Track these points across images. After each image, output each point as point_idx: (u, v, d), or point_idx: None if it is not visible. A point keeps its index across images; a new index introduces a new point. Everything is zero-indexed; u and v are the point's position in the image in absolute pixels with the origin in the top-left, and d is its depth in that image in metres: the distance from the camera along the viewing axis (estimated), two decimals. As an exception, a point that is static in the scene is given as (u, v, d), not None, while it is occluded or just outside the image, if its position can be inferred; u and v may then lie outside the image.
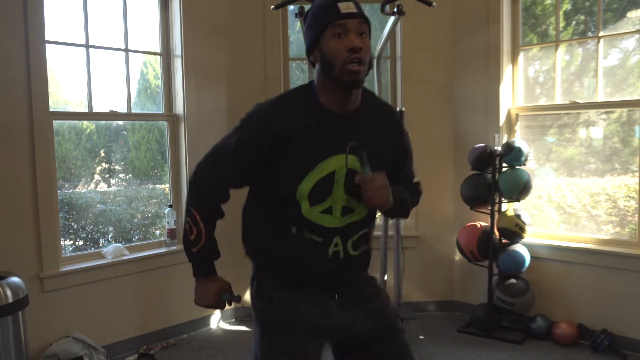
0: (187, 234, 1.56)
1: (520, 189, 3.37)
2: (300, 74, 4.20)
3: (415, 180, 1.68)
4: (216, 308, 1.62)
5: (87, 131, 3.52)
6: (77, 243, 3.48)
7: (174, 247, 3.56)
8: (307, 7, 2.98)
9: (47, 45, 2.95)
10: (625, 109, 3.32)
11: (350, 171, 1.45)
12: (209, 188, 1.55)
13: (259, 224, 1.56)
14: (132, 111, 3.51)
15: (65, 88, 3.44)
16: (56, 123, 3.13)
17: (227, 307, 1.67)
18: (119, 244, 3.37)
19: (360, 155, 1.42)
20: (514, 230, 3.37)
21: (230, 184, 1.55)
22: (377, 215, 1.65)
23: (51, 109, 3.02)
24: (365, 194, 1.41)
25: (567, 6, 3.57)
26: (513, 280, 3.41)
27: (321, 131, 1.44)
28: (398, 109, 3.20)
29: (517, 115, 3.71)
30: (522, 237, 3.40)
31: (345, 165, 1.44)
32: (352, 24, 1.36)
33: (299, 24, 3.90)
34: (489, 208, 3.50)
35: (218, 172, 1.53)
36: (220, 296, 1.60)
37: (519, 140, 3.45)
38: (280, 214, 1.50)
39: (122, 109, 3.45)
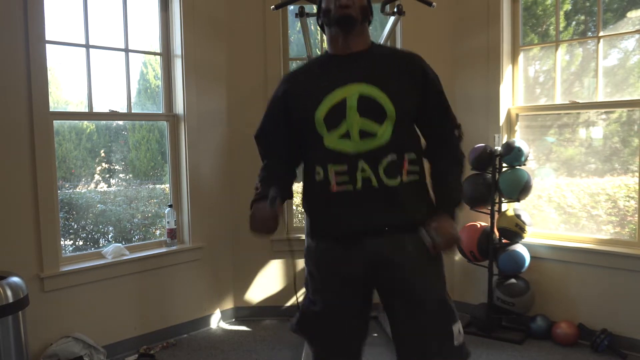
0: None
1: (520, 189, 3.37)
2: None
3: (452, 129, 1.72)
4: (268, 232, 1.64)
5: (87, 131, 3.52)
6: (77, 243, 3.49)
7: (174, 247, 3.56)
8: (307, 7, 2.98)
9: (47, 45, 2.95)
10: (625, 109, 3.32)
11: (362, 97, 1.56)
12: (263, 140, 1.78)
13: (305, 185, 1.71)
14: (132, 111, 3.51)
15: (66, 88, 3.44)
16: (56, 123, 3.14)
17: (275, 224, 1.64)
18: (119, 244, 3.37)
19: (423, 237, 1.55)
20: (514, 230, 3.38)
21: (276, 151, 1.75)
22: (414, 146, 1.65)
23: (51, 109, 3.02)
24: (446, 249, 1.57)
25: (567, 6, 3.57)
26: (513, 280, 3.41)
27: (328, 70, 1.66)
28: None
29: (517, 115, 3.71)
30: (522, 237, 3.40)
31: (356, 93, 1.57)
32: None
33: (299, 24, 3.89)
34: (489, 208, 3.50)
35: (266, 122, 1.77)
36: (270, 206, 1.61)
37: (519, 140, 3.45)
38: (311, 157, 1.65)
39: (122, 109, 3.45)
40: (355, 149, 1.55)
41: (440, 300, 1.61)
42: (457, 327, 1.60)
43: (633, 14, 3.28)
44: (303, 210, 1.75)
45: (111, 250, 3.30)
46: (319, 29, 1.99)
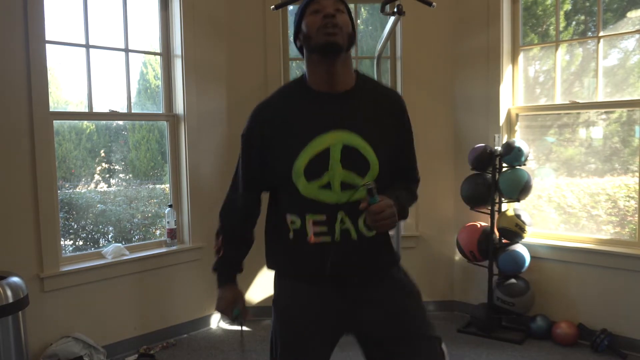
0: (214, 249, 1.69)
1: (520, 189, 3.37)
2: (300, 74, 4.20)
3: (414, 180, 1.68)
4: (227, 317, 1.70)
5: (87, 131, 3.52)
6: (77, 243, 3.48)
7: (174, 247, 3.56)
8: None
9: (47, 45, 2.95)
10: (625, 109, 3.32)
11: (346, 147, 1.46)
12: (234, 194, 1.65)
13: (270, 232, 1.63)
14: (132, 111, 3.51)
15: (66, 88, 3.44)
16: (56, 123, 3.14)
17: (237, 322, 1.75)
18: (119, 244, 3.37)
19: (368, 186, 1.41)
20: (514, 230, 3.37)
21: (250, 184, 1.61)
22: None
23: (51, 109, 3.02)
24: (372, 223, 1.41)
25: (567, 6, 3.57)
26: (513, 280, 3.41)
27: (310, 111, 1.50)
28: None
29: (517, 115, 3.71)
30: (522, 237, 3.40)
31: (339, 142, 1.46)
32: (326, 2, 1.46)
33: (299, 24, 3.89)
34: (489, 208, 3.50)
35: (240, 173, 1.62)
36: (232, 309, 1.67)
37: (519, 140, 3.45)
38: (284, 205, 1.54)
39: (122, 109, 3.45)
40: (335, 200, 1.47)
41: (429, 326, 1.57)
42: (444, 346, 1.58)
43: (633, 14, 3.28)
44: (266, 248, 1.66)
45: (111, 250, 3.30)
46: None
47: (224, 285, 1.67)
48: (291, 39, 3.97)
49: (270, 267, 1.66)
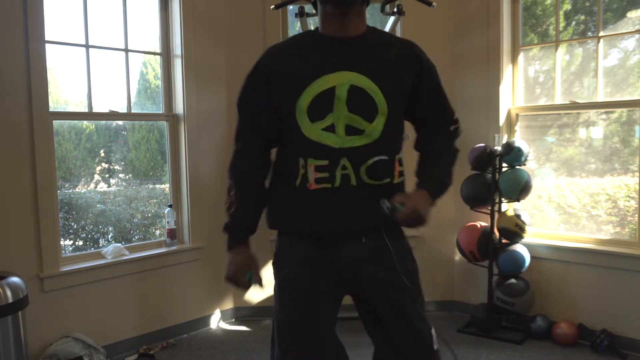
0: (226, 205, 1.59)
1: (520, 189, 3.37)
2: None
3: (452, 123, 1.61)
4: (238, 285, 1.57)
5: (87, 131, 3.52)
6: (77, 243, 3.48)
7: (174, 247, 3.56)
8: (307, 7, 2.98)
9: (47, 45, 2.95)
10: (625, 109, 3.32)
11: (353, 88, 1.41)
12: (241, 143, 1.58)
13: (275, 182, 1.56)
14: (132, 111, 3.51)
15: (65, 88, 3.44)
16: (56, 123, 3.13)
17: (252, 288, 1.61)
18: (119, 244, 3.37)
19: (383, 204, 1.40)
20: (514, 230, 3.37)
21: (256, 127, 1.55)
22: (397, 146, 1.53)
23: (51, 109, 3.02)
24: (406, 224, 1.42)
25: (567, 6, 3.57)
26: (513, 280, 3.41)
27: (319, 51, 1.46)
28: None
29: (517, 115, 3.71)
30: (522, 237, 3.40)
31: (346, 82, 1.41)
32: None
33: (299, 24, 3.89)
34: (489, 208, 3.50)
35: (243, 120, 1.57)
36: (244, 273, 1.55)
37: (519, 140, 3.45)
38: (289, 147, 1.49)
39: (122, 109, 3.45)
40: (338, 145, 1.41)
41: (421, 302, 1.55)
42: (434, 331, 1.54)
43: (633, 14, 3.28)
44: (267, 212, 1.59)
45: (111, 250, 3.30)
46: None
47: (235, 246, 1.57)
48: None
49: (271, 225, 1.58)
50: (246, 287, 1.57)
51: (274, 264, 1.59)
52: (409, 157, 1.62)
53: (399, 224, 1.53)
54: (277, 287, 1.57)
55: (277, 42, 1.57)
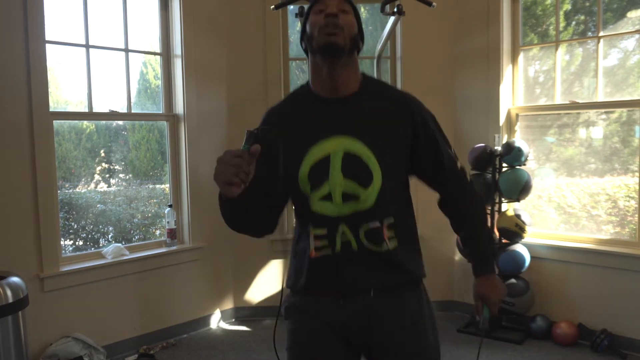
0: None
1: (520, 189, 3.37)
2: (300, 74, 4.21)
3: (460, 169, 1.55)
4: (235, 169, 1.21)
5: (87, 131, 3.52)
6: (77, 243, 3.48)
7: (174, 247, 3.56)
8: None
9: (47, 45, 2.95)
10: (625, 109, 3.32)
11: (347, 154, 1.39)
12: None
13: (293, 248, 1.55)
14: (132, 111, 3.51)
15: (66, 88, 3.44)
16: (56, 123, 3.14)
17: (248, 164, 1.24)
18: (119, 244, 3.37)
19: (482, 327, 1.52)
20: (514, 230, 3.37)
21: (264, 167, 1.39)
22: (396, 208, 1.48)
23: (51, 109, 3.02)
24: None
25: (567, 6, 3.57)
26: (513, 280, 3.41)
27: (312, 116, 1.43)
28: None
29: (517, 115, 3.71)
30: (522, 237, 3.40)
31: (340, 149, 1.38)
32: (331, 2, 1.40)
33: (299, 24, 3.90)
34: (489, 208, 3.50)
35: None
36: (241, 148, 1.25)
37: (519, 140, 3.45)
38: (299, 215, 1.49)
39: (122, 109, 3.45)
40: (336, 213, 1.39)
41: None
42: None
43: (633, 14, 3.29)
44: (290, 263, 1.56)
45: (111, 250, 3.30)
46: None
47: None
48: (291, 39, 3.98)
49: (287, 285, 1.56)
50: (243, 163, 1.21)
51: (285, 309, 1.55)
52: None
53: (415, 290, 1.53)
54: (289, 327, 1.53)
55: (274, 106, 1.51)
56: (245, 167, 1.21)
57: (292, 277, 1.54)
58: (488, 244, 1.58)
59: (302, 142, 1.41)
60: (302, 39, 1.47)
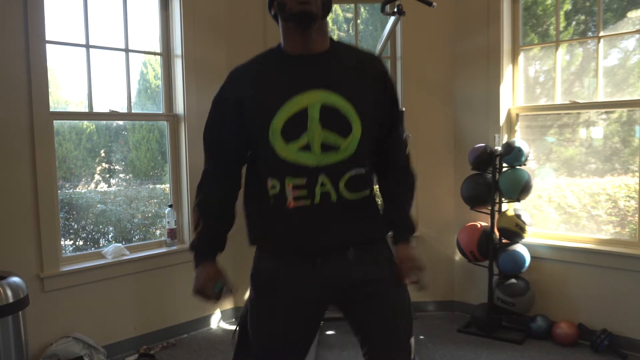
0: (193, 224, 1.61)
1: (520, 189, 3.37)
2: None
3: (404, 139, 1.65)
4: (208, 298, 1.54)
5: (88, 131, 3.52)
6: (77, 243, 3.49)
7: (174, 247, 3.56)
8: None
9: (47, 45, 2.95)
10: (625, 109, 3.32)
11: (325, 106, 1.43)
12: (208, 166, 1.60)
13: (249, 201, 1.57)
14: (133, 111, 3.51)
15: (66, 88, 3.44)
16: (56, 123, 3.14)
17: (222, 299, 1.59)
18: (119, 244, 3.37)
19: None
20: (514, 230, 3.38)
21: (225, 153, 1.56)
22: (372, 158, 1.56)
23: (51, 109, 3.02)
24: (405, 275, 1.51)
25: (567, 6, 3.57)
26: (513, 280, 3.41)
27: (286, 72, 1.47)
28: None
29: (517, 115, 3.71)
30: (522, 237, 3.40)
31: (318, 101, 1.43)
32: None
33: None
34: (489, 208, 3.50)
35: (213, 146, 1.58)
36: (213, 284, 1.53)
37: (519, 140, 3.45)
38: (262, 170, 1.50)
39: (122, 109, 3.45)
40: (315, 162, 1.42)
41: (407, 312, 1.58)
42: (413, 341, 1.58)
43: (633, 14, 3.29)
44: (245, 220, 1.59)
45: (111, 250, 3.30)
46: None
47: (203, 263, 1.56)
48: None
49: (252, 242, 1.58)
50: (216, 298, 1.54)
51: (252, 277, 1.58)
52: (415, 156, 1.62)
53: (384, 241, 1.59)
54: (255, 300, 1.57)
55: (240, 65, 1.55)
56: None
57: (258, 232, 1.54)
58: (412, 218, 1.62)
59: (273, 96, 1.44)
60: (270, 5, 1.50)
